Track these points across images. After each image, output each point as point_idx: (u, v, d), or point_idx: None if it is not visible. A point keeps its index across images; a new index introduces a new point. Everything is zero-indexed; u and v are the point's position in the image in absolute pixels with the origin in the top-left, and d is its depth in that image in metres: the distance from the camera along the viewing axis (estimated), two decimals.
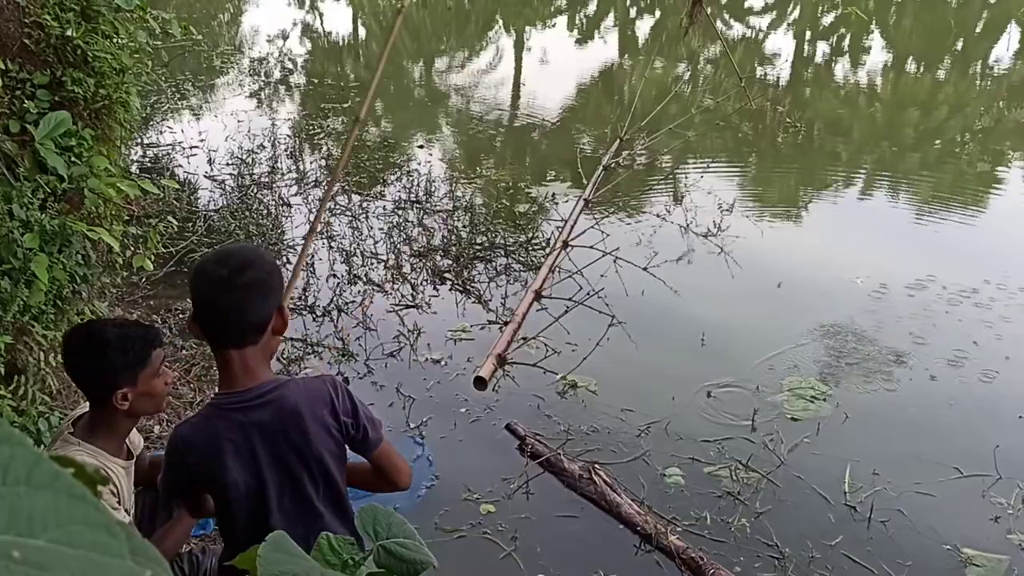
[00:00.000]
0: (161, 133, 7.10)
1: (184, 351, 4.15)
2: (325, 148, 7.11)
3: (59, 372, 3.12)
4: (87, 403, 2.18)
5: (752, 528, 3.32)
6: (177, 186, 5.18)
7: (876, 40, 12.20)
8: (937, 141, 8.45)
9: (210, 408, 1.84)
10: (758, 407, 4.02)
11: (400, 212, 5.90)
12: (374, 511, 1.11)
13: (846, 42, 12.13)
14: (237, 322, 1.76)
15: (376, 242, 5.47)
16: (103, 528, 0.39)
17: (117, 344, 2.02)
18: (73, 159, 2.87)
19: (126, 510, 2.11)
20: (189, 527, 2.20)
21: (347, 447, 1.88)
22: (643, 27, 13.10)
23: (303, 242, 3.90)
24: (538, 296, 4.68)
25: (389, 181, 6.51)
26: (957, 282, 5.23)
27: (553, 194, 6.36)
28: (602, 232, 5.33)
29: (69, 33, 2.94)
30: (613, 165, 6.50)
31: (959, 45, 12.10)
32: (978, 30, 13.07)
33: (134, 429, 2.27)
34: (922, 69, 10.99)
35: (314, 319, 4.61)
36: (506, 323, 4.44)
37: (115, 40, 3.16)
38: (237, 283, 1.73)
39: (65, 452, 2.01)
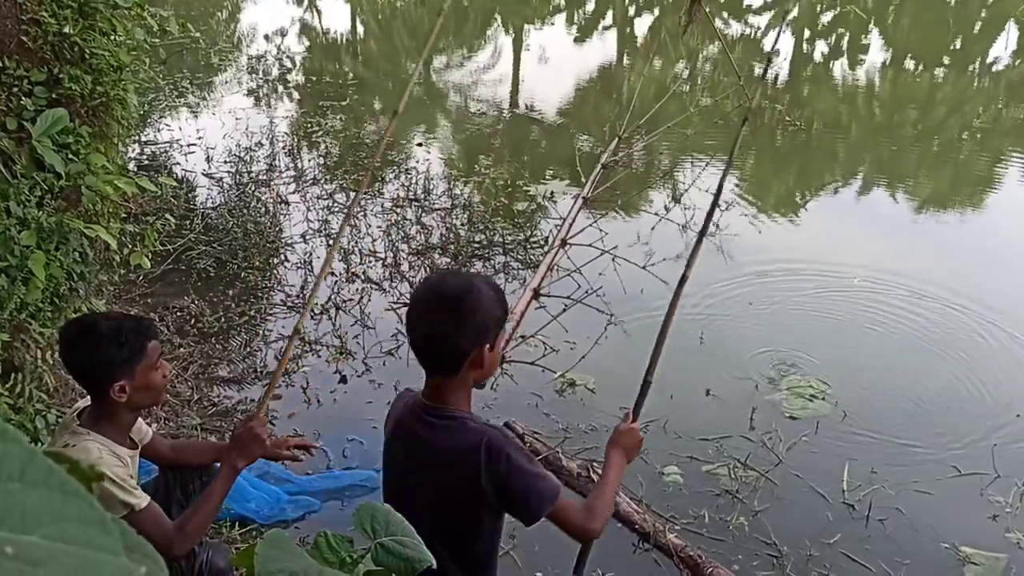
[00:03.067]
0: (159, 131, 7.09)
1: (182, 348, 4.14)
2: (323, 146, 7.10)
3: (56, 369, 3.11)
4: (87, 398, 2.18)
5: (750, 526, 3.32)
6: (175, 184, 5.19)
7: (875, 39, 12.20)
8: (936, 139, 8.45)
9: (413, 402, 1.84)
10: (757, 405, 4.02)
11: (398, 210, 5.89)
12: (372, 509, 1.11)
13: (845, 41, 12.13)
14: (428, 348, 1.74)
15: (374, 240, 5.46)
16: (97, 524, 0.39)
17: (111, 337, 2.02)
18: (70, 156, 2.87)
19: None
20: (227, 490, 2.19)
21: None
22: (641, 25, 13.09)
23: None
24: (536, 294, 4.67)
25: (387, 179, 6.50)
26: (957, 280, 5.23)
27: (551, 192, 6.35)
28: (600, 230, 5.31)
29: (66, 30, 2.94)
30: (612, 163, 6.49)
31: (958, 44, 12.10)
32: (976, 29, 13.07)
33: (139, 420, 2.29)
34: (921, 68, 10.99)
35: (312, 317, 4.60)
36: None
37: (113, 37, 3.16)
38: (435, 308, 1.72)
39: (76, 442, 2.03)
